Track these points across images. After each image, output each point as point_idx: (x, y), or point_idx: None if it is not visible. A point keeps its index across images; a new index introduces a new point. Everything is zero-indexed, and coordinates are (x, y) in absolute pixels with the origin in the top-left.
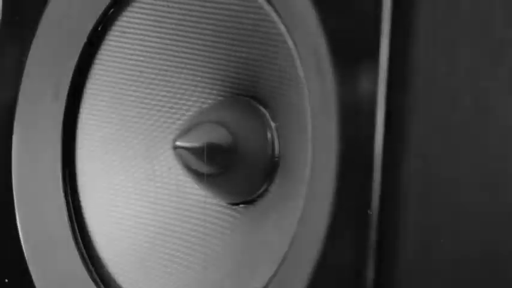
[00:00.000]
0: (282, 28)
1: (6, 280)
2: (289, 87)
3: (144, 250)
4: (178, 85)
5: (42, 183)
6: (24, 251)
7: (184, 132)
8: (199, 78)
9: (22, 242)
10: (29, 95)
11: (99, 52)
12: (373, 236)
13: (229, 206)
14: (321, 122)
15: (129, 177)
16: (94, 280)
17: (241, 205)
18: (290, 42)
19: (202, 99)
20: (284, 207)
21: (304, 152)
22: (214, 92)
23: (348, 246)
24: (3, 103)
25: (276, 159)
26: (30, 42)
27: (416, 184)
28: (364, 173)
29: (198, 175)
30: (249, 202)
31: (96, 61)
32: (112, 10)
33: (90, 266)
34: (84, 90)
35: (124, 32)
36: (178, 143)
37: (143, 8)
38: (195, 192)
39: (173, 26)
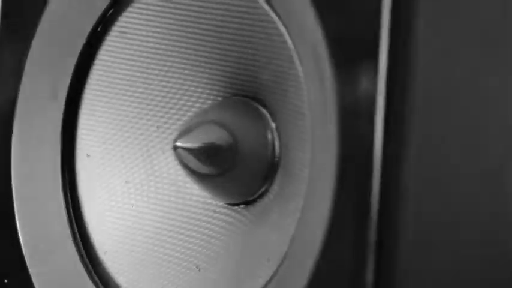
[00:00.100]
0: (282, 28)
1: (6, 281)
2: (289, 88)
3: (143, 250)
4: (178, 85)
5: (42, 182)
6: (24, 251)
7: (184, 133)
8: (199, 79)
9: (21, 241)
10: (29, 95)
11: (99, 53)
12: (372, 236)
13: (229, 206)
14: (320, 122)
15: (129, 177)
16: (93, 280)
17: (241, 205)
18: (289, 43)
19: (202, 100)
20: (284, 207)
21: (304, 153)
22: (214, 92)
23: (347, 247)
24: (2, 103)
25: (276, 159)
26: (30, 42)
27: (416, 185)
28: (364, 174)
29: (197, 175)
30: (248, 202)
31: (96, 62)
32: (111, 11)
33: (89, 266)
34: (84, 90)
35: (123, 33)
36: (178, 144)
37: (142, 9)
38: (194, 193)
39: (172, 27)
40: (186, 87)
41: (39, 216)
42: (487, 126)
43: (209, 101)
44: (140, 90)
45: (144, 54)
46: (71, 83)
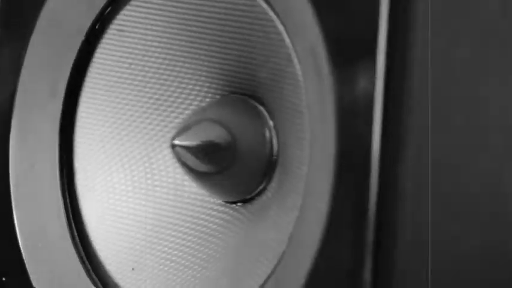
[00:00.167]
0: (280, 27)
1: (4, 279)
2: (287, 86)
3: (142, 249)
4: (176, 83)
5: (40, 181)
6: (22, 250)
7: (182, 131)
8: (197, 77)
9: (20, 241)
10: (27, 93)
11: (97, 50)
12: (370, 236)
13: (227, 204)
14: (318, 120)
15: (127, 175)
16: (92, 279)
17: (239, 203)
18: (288, 41)
19: (200, 98)
20: (282, 205)
21: (302, 151)
22: (212, 90)
23: (345, 246)
24: (1, 101)
25: (274, 157)
26: (28, 40)
27: (414, 184)
28: (362, 172)
29: (196, 173)
30: (246, 200)
31: (94, 59)
32: (109, 8)
33: (88, 265)
34: (82, 88)
35: (121, 30)
36: (176, 142)
37: (140, 7)
38: (193, 191)
39: (170, 25)
40: (184, 85)
41: (37, 215)
42: (487, 126)
43: (207, 99)
44: (138, 88)
45: (142, 52)
46: (69, 81)
